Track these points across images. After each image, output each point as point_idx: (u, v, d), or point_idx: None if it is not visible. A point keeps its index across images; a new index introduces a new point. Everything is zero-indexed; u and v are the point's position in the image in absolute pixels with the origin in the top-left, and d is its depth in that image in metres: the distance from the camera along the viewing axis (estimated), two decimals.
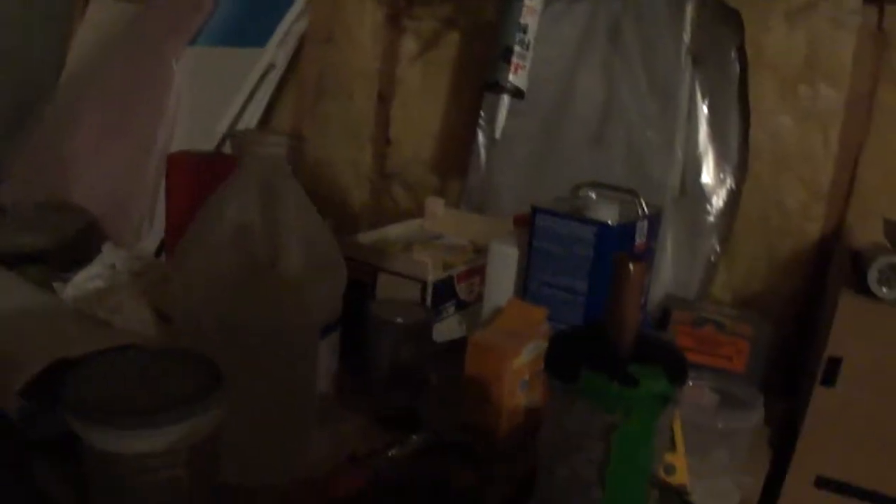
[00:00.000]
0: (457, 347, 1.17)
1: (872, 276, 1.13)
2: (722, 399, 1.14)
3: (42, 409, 0.89)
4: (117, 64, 1.97)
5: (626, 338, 0.54)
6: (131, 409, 0.71)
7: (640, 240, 1.15)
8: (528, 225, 1.18)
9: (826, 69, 1.43)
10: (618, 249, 1.10)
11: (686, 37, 1.45)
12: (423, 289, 1.28)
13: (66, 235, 1.59)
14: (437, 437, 1.05)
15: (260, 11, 1.86)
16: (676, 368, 0.53)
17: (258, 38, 1.82)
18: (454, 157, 1.78)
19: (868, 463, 1.16)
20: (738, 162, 1.47)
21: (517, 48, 1.24)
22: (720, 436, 1.07)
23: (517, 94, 1.27)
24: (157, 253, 1.65)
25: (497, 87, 1.26)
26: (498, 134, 1.30)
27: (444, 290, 1.32)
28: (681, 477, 0.95)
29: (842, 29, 1.41)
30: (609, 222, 1.08)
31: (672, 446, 0.89)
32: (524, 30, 1.25)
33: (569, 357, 0.55)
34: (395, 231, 1.56)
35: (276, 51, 1.81)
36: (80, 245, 1.58)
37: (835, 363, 1.15)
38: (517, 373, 1.04)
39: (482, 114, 1.67)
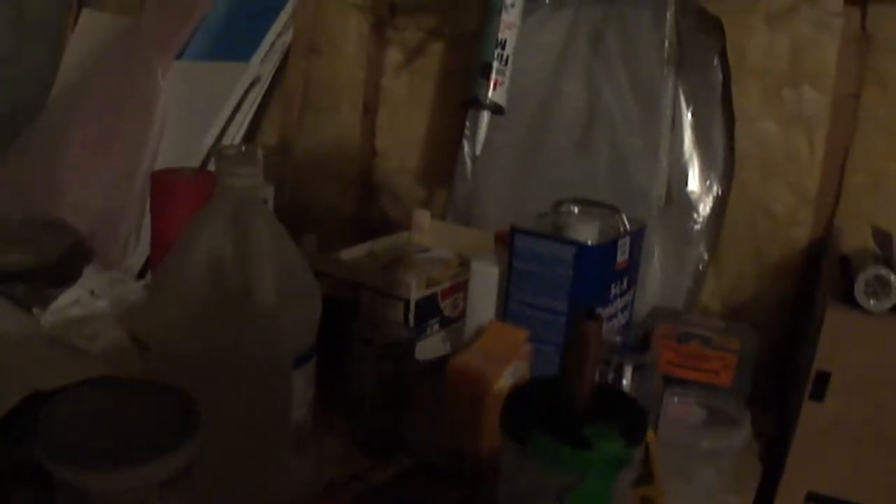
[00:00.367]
0: (441, 365, 1.16)
1: (860, 288, 1.12)
2: (709, 414, 1.13)
3: (18, 436, 0.89)
4: (106, 78, 1.96)
5: (582, 395, 0.53)
6: (103, 445, 0.70)
7: (621, 258, 1.13)
8: (506, 242, 1.17)
9: (810, 72, 1.41)
10: (596, 269, 1.09)
11: (668, 44, 1.43)
12: (406, 307, 1.27)
13: (52, 253, 1.58)
14: (418, 460, 1.04)
15: (244, 25, 1.86)
16: (634, 427, 0.52)
17: (243, 52, 1.81)
18: (440, 167, 1.77)
19: (859, 478, 1.15)
20: (724, 168, 1.46)
21: (496, 64, 1.23)
22: (706, 455, 1.05)
23: (497, 110, 1.26)
24: (143, 270, 1.64)
25: (476, 104, 1.25)
26: (478, 150, 1.29)
27: (428, 308, 1.31)
28: None
29: (824, 31, 1.40)
30: (589, 242, 1.07)
31: (649, 479, 0.88)
32: (503, 45, 1.24)
33: (522, 415, 0.54)
34: (381, 245, 1.55)
35: (261, 65, 1.80)
36: (67, 263, 1.57)
37: (823, 378, 1.14)
38: (498, 396, 1.02)
39: (468, 124, 1.66)
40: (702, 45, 1.44)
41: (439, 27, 1.77)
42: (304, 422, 0.99)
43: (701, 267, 1.47)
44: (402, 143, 1.84)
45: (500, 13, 1.23)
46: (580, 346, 0.53)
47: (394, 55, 1.84)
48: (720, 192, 1.46)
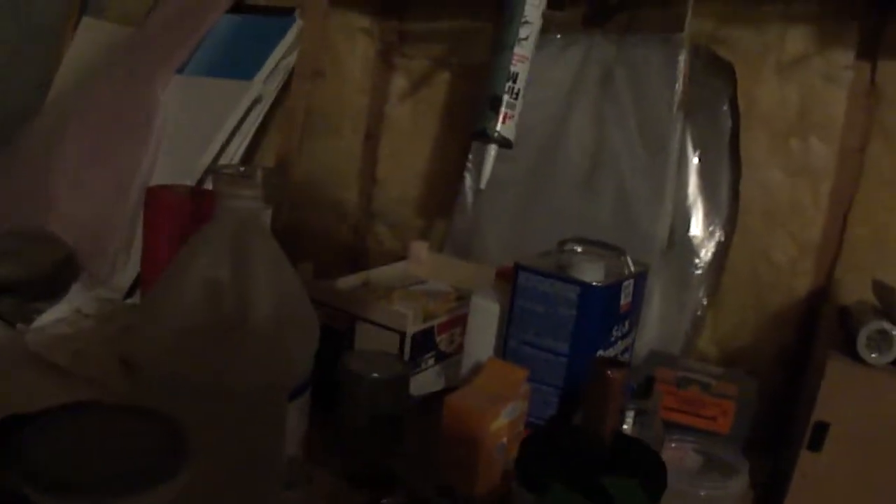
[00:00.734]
0: (436, 400, 1.15)
1: (861, 342, 1.11)
2: (706, 461, 1.12)
3: None
4: (104, 88, 1.93)
5: (602, 444, 0.52)
6: (89, 475, 0.68)
7: (625, 300, 1.12)
8: (509, 278, 1.16)
9: (818, 124, 1.41)
10: (602, 310, 1.07)
11: (678, 87, 1.43)
12: (402, 340, 1.26)
13: (42, 267, 1.56)
14: (411, 497, 1.02)
15: (249, 43, 1.84)
16: (655, 480, 0.50)
17: (246, 70, 1.79)
18: (441, 198, 1.76)
19: None
20: (728, 215, 1.45)
21: (506, 97, 1.22)
22: (704, 503, 1.04)
23: (505, 143, 1.25)
24: (132, 288, 1.62)
25: (484, 137, 1.24)
26: (483, 184, 1.28)
27: (424, 342, 1.29)
28: None
29: (834, 84, 1.40)
30: (594, 282, 1.06)
31: None
32: (514, 78, 1.23)
33: (539, 464, 0.52)
34: (377, 275, 1.53)
35: (265, 84, 1.79)
36: (56, 277, 1.55)
37: (822, 428, 1.13)
38: (495, 436, 1.01)
39: (470, 157, 1.65)
40: (712, 89, 1.43)
41: (447, 57, 1.76)
42: (296, 456, 0.98)
43: (700, 312, 1.46)
44: (403, 173, 1.83)
45: (513, 47, 1.22)
46: (603, 395, 0.52)
47: (399, 83, 1.83)
48: (722, 238, 1.45)
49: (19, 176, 1.93)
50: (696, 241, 1.45)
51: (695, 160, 1.45)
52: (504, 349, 1.12)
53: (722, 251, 1.46)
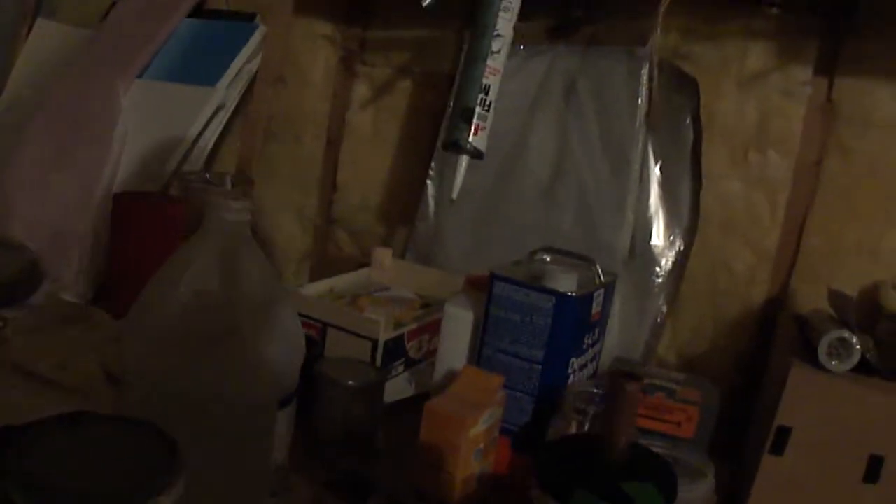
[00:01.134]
0: (406, 407, 1.16)
1: (823, 350, 1.15)
2: (672, 465, 1.14)
3: None
4: (63, 92, 1.91)
5: (619, 453, 0.54)
6: (84, 488, 0.68)
7: (596, 309, 1.15)
8: (480, 287, 1.17)
9: (776, 138, 1.45)
10: (575, 320, 1.10)
11: (641, 100, 1.46)
12: (374, 347, 1.27)
13: (4, 273, 1.54)
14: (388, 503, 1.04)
15: (211, 48, 1.84)
16: (668, 485, 0.52)
17: (209, 75, 1.79)
18: (402, 205, 1.77)
19: None
20: (688, 224, 1.48)
21: (478, 109, 1.24)
22: None
23: (476, 155, 1.27)
24: (97, 294, 1.61)
25: (457, 148, 1.26)
26: (455, 194, 1.29)
27: (395, 349, 1.31)
28: None
29: (792, 99, 1.44)
30: (568, 292, 1.08)
31: None
32: (486, 90, 1.25)
33: (561, 471, 0.54)
34: (341, 282, 1.54)
35: (228, 90, 1.78)
36: (21, 284, 1.54)
37: (784, 432, 1.16)
38: (473, 442, 1.03)
39: (433, 165, 1.66)
40: (676, 103, 1.46)
41: (409, 65, 1.78)
42: (282, 464, 0.99)
43: (659, 319, 1.49)
44: (363, 179, 1.84)
45: (485, 59, 1.24)
46: (621, 406, 0.54)
47: (361, 90, 1.84)
48: (682, 248, 1.48)
49: None
50: (656, 251, 1.48)
51: (657, 171, 1.49)
52: (479, 357, 1.14)
53: (682, 260, 1.49)
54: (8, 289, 1.49)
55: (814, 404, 1.16)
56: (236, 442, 0.86)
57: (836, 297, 1.32)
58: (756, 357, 1.48)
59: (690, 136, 1.46)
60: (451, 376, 1.14)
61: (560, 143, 1.54)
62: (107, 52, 1.93)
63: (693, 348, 1.53)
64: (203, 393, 0.84)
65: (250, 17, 1.85)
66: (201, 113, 1.75)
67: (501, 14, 1.25)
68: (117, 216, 1.46)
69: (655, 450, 1.12)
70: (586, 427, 1.01)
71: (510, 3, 1.26)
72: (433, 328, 1.33)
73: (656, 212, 1.48)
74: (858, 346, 1.15)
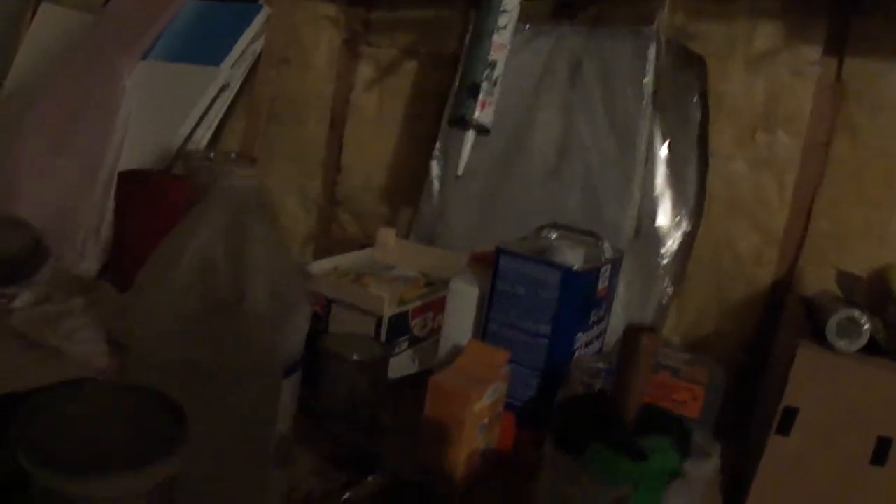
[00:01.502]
0: (409, 384, 1.15)
1: (831, 329, 1.14)
2: None
3: None
4: (66, 75, 1.92)
5: (633, 408, 0.52)
6: (89, 452, 0.67)
7: (602, 285, 1.14)
8: (484, 262, 1.16)
9: (784, 117, 1.44)
10: (581, 294, 1.09)
11: (648, 79, 1.45)
12: (378, 323, 1.26)
13: (9, 251, 1.54)
14: (393, 479, 1.03)
15: (216, 29, 1.83)
16: (683, 441, 0.51)
17: (213, 56, 1.79)
18: (406, 186, 1.76)
19: None
20: (695, 205, 1.47)
21: (485, 84, 1.23)
22: (677, 485, 1.06)
23: (482, 130, 1.26)
24: (101, 273, 1.61)
25: (463, 123, 1.25)
26: (461, 171, 1.28)
27: (399, 325, 1.30)
28: None
29: (801, 79, 1.43)
30: (575, 267, 1.07)
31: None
32: (492, 66, 1.24)
33: (575, 428, 0.53)
34: (345, 261, 1.53)
35: (232, 70, 1.78)
36: (25, 261, 1.53)
37: (791, 413, 1.15)
38: (478, 416, 1.02)
39: (438, 145, 1.65)
40: (683, 82, 1.45)
41: (414, 46, 1.77)
42: (286, 434, 0.98)
43: (664, 301, 1.48)
44: (368, 161, 1.83)
45: (492, 35, 1.23)
46: (635, 361, 0.53)
47: (365, 71, 1.83)
48: (688, 229, 1.47)
49: None
50: (662, 232, 1.47)
51: (663, 151, 1.47)
52: (484, 332, 1.13)
53: (688, 241, 1.48)
54: (13, 265, 1.48)
55: (821, 385, 1.15)
56: (241, 410, 0.85)
57: (844, 279, 1.31)
58: (762, 339, 1.47)
59: (698, 115, 1.45)
60: (456, 352, 1.13)
61: (565, 123, 1.53)
62: (110, 35, 1.93)
63: (698, 330, 1.52)
64: (209, 360, 0.83)
65: None
66: (205, 93, 1.75)
67: None
68: (122, 195, 1.45)
69: None
70: None
71: None
72: (438, 306, 1.32)
73: (662, 192, 1.47)
74: (868, 326, 1.14)
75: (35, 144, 1.81)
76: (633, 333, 0.52)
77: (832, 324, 1.14)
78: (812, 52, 1.41)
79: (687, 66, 1.46)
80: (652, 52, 1.44)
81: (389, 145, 1.81)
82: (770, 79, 1.44)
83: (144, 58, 1.86)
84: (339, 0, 1.83)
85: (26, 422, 0.69)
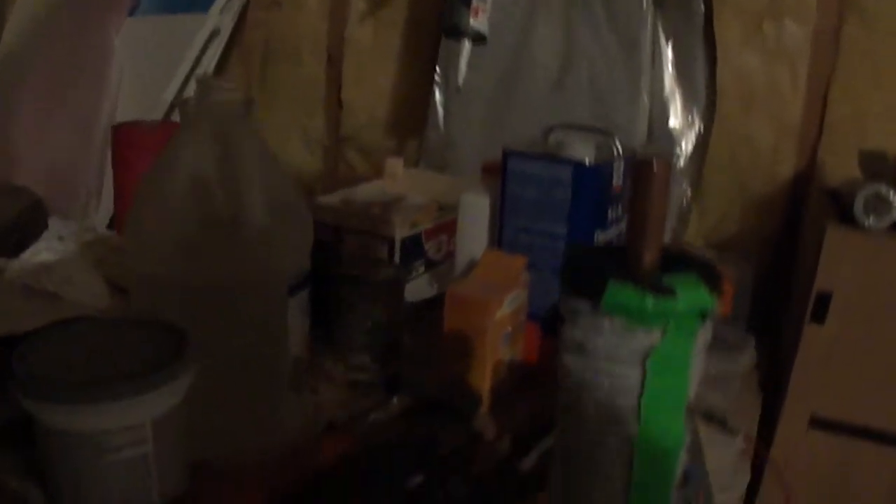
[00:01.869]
0: (428, 308, 1.12)
1: (859, 206, 1.10)
2: (710, 343, 1.10)
3: None
4: (56, 39, 1.90)
5: (653, 248, 0.48)
6: (88, 381, 0.65)
7: (617, 181, 1.10)
8: (497, 173, 1.13)
9: (790, 5, 1.40)
10: (596, 190, 1.05)
11: None
12: (391, 247, 1.23)
13: (8, 217, 1.51)
14: (419, 399, 1.00)
15: None
16: (711, 276, 0.47)
17: (200, 3, 1.75)
18: (410, 116, 1.73)
19: (862, 399, 1.14)
20: (706, 104, 1.44)
21: None
22: (713, 381, 1.03)
23: (478, 38, 1.21)
24: (108, 228, 1.59)
25: (456, 32, 1.20)
26: (460, 81, 1.24)
27: (413, 248, 1.26)
28: None
29: None
30: (587, 161, 1.03)
31: None
32: None
33: (590, 269, 0.49)
34: (356, 193, 1.50)
35: (220, 16, 1.75)
36: (25, 226, 1.50)
37: (824, 299, 1.12)
38: (500, 325, 0.98)
39: (438, 69, 1.61)
40: None
41: None
42: (300, 357, 0.95)
43: (685, 204, 1.44)
44: (369, 95, 1.79)
45: None
46: (648, 191, 0.49)
47: (358, 4, 1.79)
48: (702, 128, 1.44)
49: None
50: (675, 133, 1.44)
51: (669, 51, 1.43)
52: (499, 239, 1.09)
53: (702, 141, 1.44)
54: (10, 233, 1.46)
55: (852, 266, 1.12)
56: (248, 330, 0.82)
57: (868, 158, 1.27)
58: (788, 235, 1.43)
59: (701, 9, 1.41)
60: (473, 267, 1.09)
61: (566, 32, 1.49)
62: None
63: (721, 231, 1.48)
64: (210, 281, 0.80)
65: None
66: (195, 40, 1.72)
67: None
68: (118, 147, 1.42)
69: None
70: None
71: None
72: (451, 228, 1.28)
73: (672, 93, 1.43)
74: None
75: (30, 110, 1.80)
76: (642, 164, 0.48)
77: (859, 201, 1.10)
78: None
79: None
80: None
81: (389, 77, 1.77)
82: None
83: (132, 14, 1.83)
84: None
85: (23, 359, 0.67)
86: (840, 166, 1.38)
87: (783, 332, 1.30)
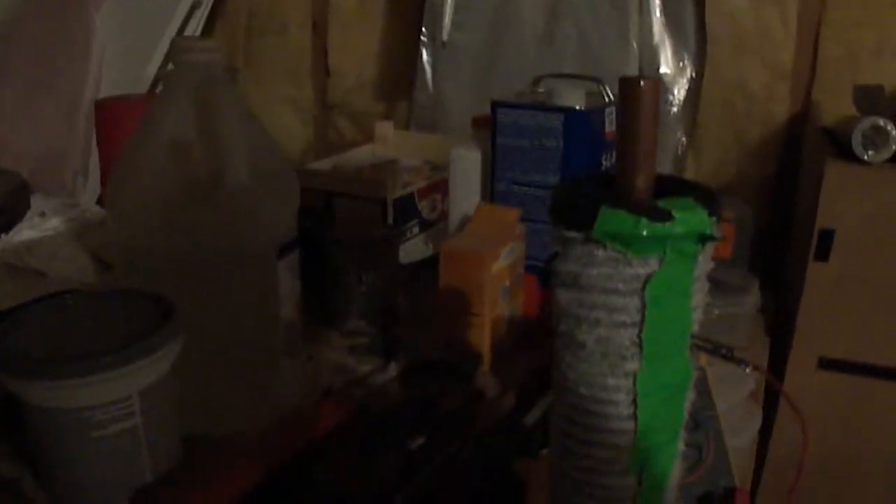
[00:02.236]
0: (425, 269, 1.10)
1: (857, 140, 1.08)
2: (713, 287, 1.08)
3: None
4: (36, 20, 1.88)
5: (645, 172, 0.46)
6: (69, 356, 0.62)
7: (609, 127, 1.07)
8: (487, 126, 1.10)
9: None
10: (588, 137, 1.02)
11: None
12: (384, 209, 1.21)
13: None
14: (417, 360, 0.98)
15: None
16: (709, 199, 0.45)
17: None
18: (398, 79, 1.70)
19: (869, 337, 1.12)
20: (697, 49, 1.41)
21: None
22: (719, 323, 1.01)
23: None
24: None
25: None
26: (445, 35, 1.22)
27: (406, 209, 1.25)
28: None
29: None
30: (577, 107, 1.01)
31: None
32: None
33: (580, 198, 0.46)
34: (346, 158, 1.48)
35: None
36: (10, 209, 1.49)
37: (827, 236, 1.10)
38: (497, 279, 0.96)
39: (424, 30, 1.59)
40: None
41: None
42: (292, 322, 0.93)
43: (680, 151, 1.42)
44: (356, 60, 1.77)
45: None
46: (636, 111, 0.46)
47: None
48: (694, 74, 1.41)
49: None
50: (667, 79, 1.42)
51: None
52: (492, 192, 1.07)
53: (695, 87, 1.42)
54: None
55: (853, 201, 1.10)
56: (237, 295, 0.80)
57: (863, 92, 1.24)
58: (785, 177, 1.41)
59: None
60: (467, 223, 1.07)
61: None
62: None
63: (719, 177, 1.46)
64: (195, 247, 0.77)
65: None
66: (176, 11, 1.69)
67: None
68: (102, 122, 1.40)
69: None
70: None
71: None
72: (445, 187, 1.26)
73: (661, 39, 1.41)
74: (895, 133, 1.08)
75: (13, 94, 1.78)
76: (628, 81, 0.46)
77: (857, 135, 1.08)
78: None
79: None
80: None
81: (375, 41, 1.74)
82: None
83: None
84: None
85: (4, 337, 0.65)
86: (835, 106, 1.36)
87: (787, 274, 1.28)
